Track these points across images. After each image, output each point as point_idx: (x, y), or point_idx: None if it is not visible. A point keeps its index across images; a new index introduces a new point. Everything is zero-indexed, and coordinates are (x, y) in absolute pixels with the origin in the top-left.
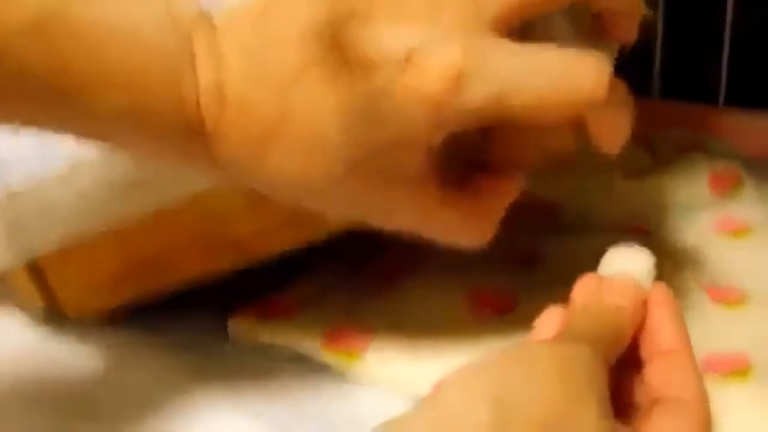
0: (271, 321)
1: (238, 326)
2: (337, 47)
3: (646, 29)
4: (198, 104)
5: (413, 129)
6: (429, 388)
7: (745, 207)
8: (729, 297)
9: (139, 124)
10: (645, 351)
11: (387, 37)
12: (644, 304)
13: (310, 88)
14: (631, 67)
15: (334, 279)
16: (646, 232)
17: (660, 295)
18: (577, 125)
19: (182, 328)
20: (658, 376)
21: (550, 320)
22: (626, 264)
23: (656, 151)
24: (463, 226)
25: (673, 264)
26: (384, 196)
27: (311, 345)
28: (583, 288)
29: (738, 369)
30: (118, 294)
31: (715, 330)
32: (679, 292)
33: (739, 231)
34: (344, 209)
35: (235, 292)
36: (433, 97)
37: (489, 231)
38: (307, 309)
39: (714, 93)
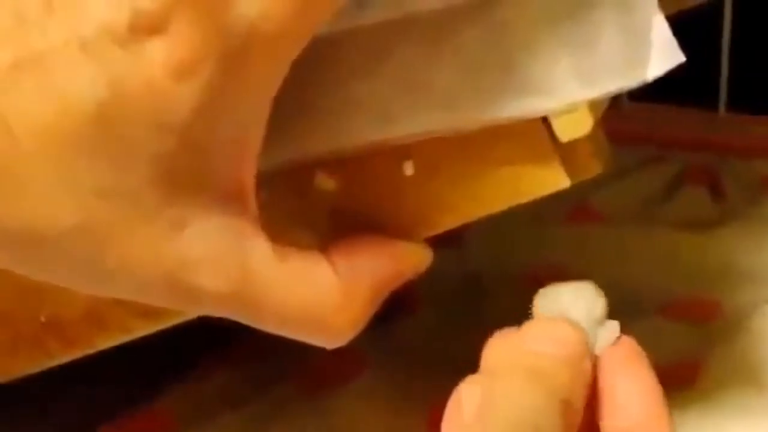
0: None
1: None
2: None
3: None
4: None
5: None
6: None
7: None
8: None
9: None
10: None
11: None
12: (589, 356)
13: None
14: (691, 71)
15: (233, 382)
16: (709, 310)
17: (625, 350)
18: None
19: None
20: None
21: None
22: (560, 305)
23: (723, 192)
24: (312, 307)
25: (745, 358)
26: (169, 245)
27: None
28: (497, 348)
29: None
30: None
31: None
32: (753, 400)
33: None
34: (104, 274)
35: (85, 404)
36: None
37: (356, 321)
38: (189, 427)
39: None
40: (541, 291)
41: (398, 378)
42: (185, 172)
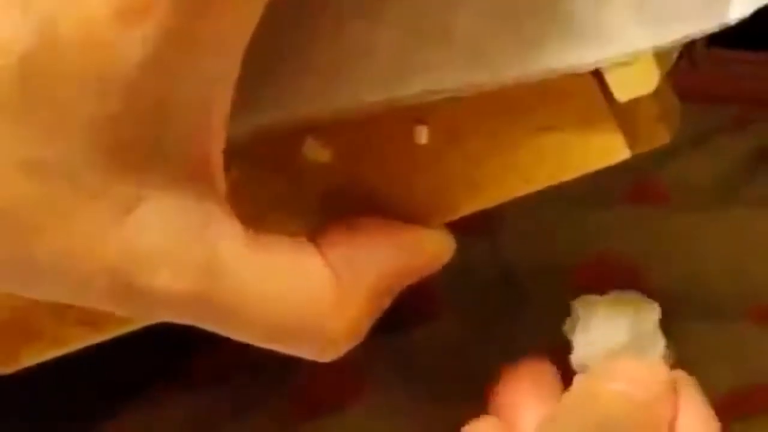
0: None
1: None
2: None
3: None
4: None
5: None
6: None
7: None
8: None
9: None
10: None
11: None
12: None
13: None
14: None
15: (197, 409)
16: None
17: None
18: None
19: None
20: None
21: None
22: (614, 329)
23: None
24: (297, 309)
25: None
26: (113, 232)
27: None
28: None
29: None
30: None
31: None
32: None
33: None
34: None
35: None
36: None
37: (354, 328)
38: None
39: None
40: (578, 300)
41: (409, 403)
42: (133, 142)
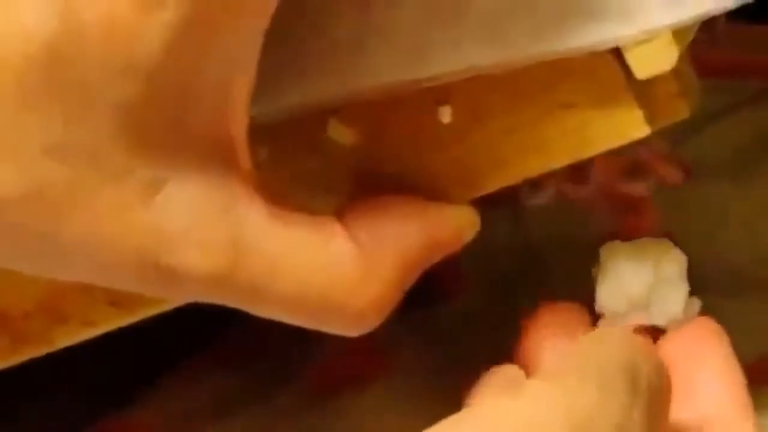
0: None
1: None
2: None
3: None
4: None
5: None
6: None
7: None
8: None
9: None
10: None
11: None
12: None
13: None
14: None
15: (226, 387)
16: None
17: (701, 330)
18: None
19: None
20: None
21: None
22: (635, 275)
23: None
24: (323, 285)
25: None
26: (140, 213)
27: None
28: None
29: None
30: None
31: None
32: None
33: None
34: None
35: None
36: None
37: (381, 303)
38: None
39: None
40: (604, 246)
41: (433, 380)
42: (158, 124)
